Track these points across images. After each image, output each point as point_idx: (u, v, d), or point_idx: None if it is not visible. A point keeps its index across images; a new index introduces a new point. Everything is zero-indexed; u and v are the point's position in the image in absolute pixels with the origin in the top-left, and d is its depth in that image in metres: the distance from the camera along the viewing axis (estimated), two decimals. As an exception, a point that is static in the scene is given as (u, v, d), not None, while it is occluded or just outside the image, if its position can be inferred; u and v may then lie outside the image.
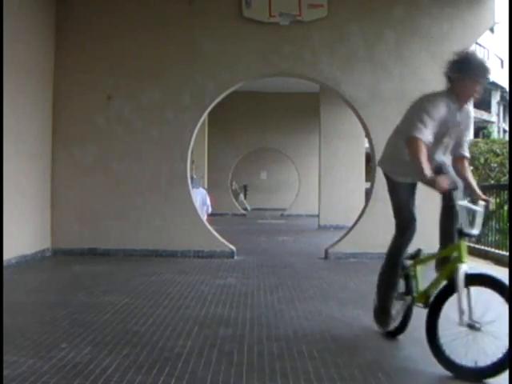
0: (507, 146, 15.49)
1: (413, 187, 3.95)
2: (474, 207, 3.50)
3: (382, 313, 4.00)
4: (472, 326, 3.26)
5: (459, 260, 3.40)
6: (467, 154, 3.97)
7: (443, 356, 3.36)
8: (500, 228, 9.44)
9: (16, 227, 7.25)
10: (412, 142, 3.56)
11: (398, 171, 3.95)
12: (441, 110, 3.63)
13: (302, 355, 3.63)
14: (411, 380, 3.30)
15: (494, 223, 9.61)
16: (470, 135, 3.67)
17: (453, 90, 3.70)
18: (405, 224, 3.89)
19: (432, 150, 3.71)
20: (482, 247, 9.50)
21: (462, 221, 3.47)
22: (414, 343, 3.96)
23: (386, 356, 3.72)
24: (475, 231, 3.44)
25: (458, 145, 3.91)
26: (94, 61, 8.65)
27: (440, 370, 3.39)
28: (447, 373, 3.35)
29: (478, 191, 3.72)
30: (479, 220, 3.47)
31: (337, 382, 3.15)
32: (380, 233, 8.49)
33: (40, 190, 8.37)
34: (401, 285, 3.98)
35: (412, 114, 3.75)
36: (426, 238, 4.24)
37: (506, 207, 9.21)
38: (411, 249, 4.00)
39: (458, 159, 3.94)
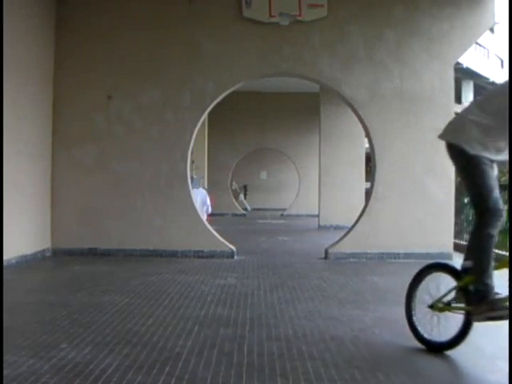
0: (507, 145, 15.49)
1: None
2: None
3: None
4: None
5: None
6: None
7: None
8: (500, 228, 9.42)
9: (16, 227, 7.25)
10: None
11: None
12: None
13: (302, 355, 3.63)
14: (411, 380, 3.30)
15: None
16: None
17: None
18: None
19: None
20: (482, 247, 9.48)
21: None
22: (415, 343, 3.97)
23: (385, 356, 3.72)
24: None
25: None
26: (94, 61, 8.65)
27: (441, 370, 3.39)
28: (447, 373, 3.35)
29: None
30: None
31: (337, 382, 3.15)
32: (380, 233, 8.53)
33: (40, 190, 8.37)
34: None
35: None
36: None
37: (506, 207, 9.20)
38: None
39: None
